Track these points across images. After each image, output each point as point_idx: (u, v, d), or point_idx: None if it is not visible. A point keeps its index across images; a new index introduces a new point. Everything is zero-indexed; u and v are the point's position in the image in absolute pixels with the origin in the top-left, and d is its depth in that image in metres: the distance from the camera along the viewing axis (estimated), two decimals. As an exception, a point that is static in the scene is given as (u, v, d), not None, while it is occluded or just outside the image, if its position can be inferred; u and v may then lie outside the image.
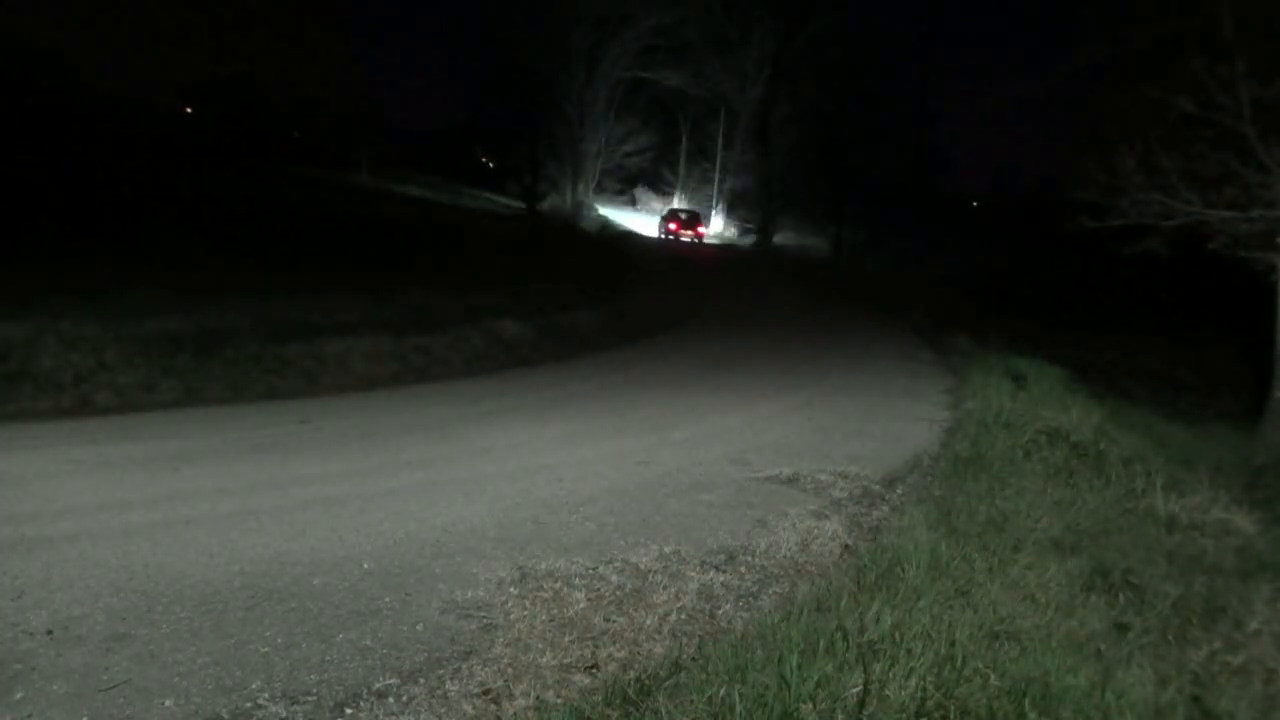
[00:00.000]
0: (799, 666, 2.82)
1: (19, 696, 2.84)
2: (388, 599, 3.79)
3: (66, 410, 6.97)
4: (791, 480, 6.23)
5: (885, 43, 42.34)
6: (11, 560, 3.89)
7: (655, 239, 35.78)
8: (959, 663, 2.97)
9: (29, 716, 2.74)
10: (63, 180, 20.71)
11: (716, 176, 43.12)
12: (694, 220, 36.96)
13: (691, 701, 2.70)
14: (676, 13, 36.60)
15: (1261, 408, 10.68)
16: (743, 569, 4.44)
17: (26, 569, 3.81)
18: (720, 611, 3.89)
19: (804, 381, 11.01)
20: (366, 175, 36.90)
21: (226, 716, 2.82)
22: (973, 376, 10.96)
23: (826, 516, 5.35)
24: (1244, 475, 8.69)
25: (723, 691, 2.70)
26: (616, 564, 4.33)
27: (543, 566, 4.22)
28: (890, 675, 2.83)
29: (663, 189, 46.32)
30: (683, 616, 3.79)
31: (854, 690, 2.72)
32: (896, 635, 3.12)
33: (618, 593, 3.97)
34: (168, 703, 2.87)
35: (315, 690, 3.01)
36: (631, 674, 3.09)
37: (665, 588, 4.06)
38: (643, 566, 4.32)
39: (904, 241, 38.16)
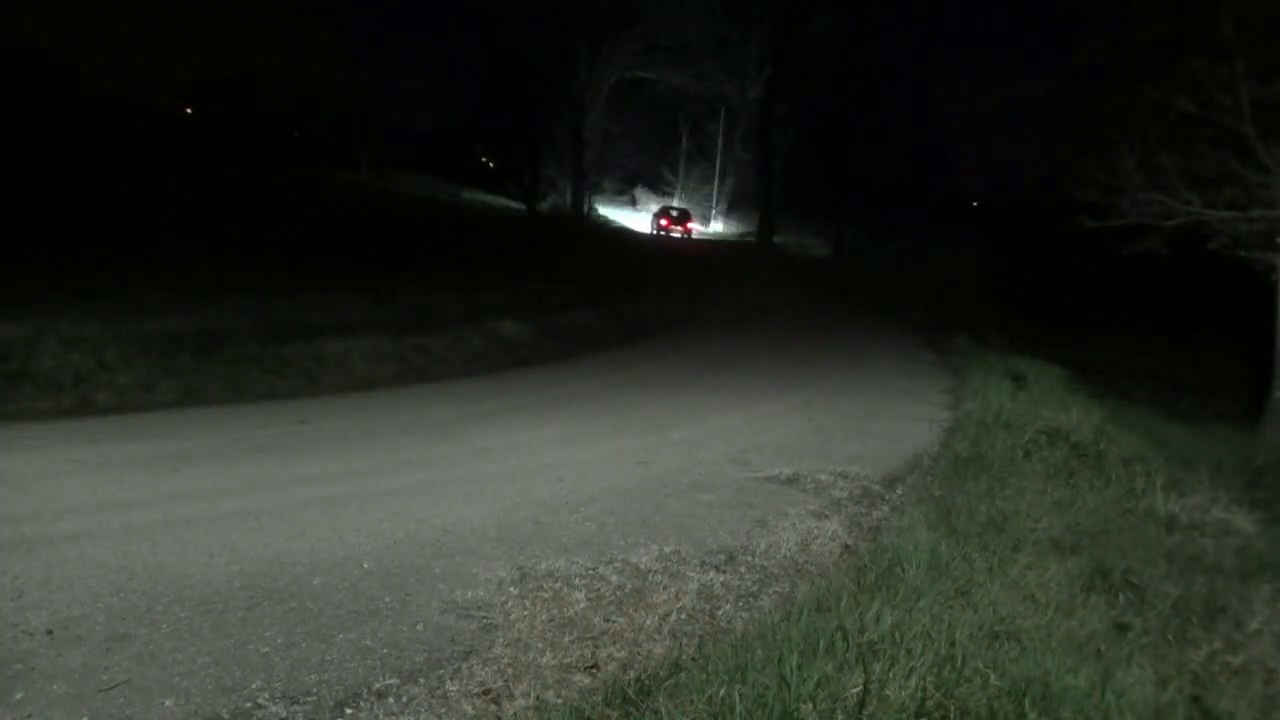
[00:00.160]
0: (799, 666, 2.82)
1: (19, 696, 2.84)
2: (388, 599, 3.79)
3: (66, 410, 6.97)
4: (791, 480, 6.23)
5: (885, 43, 42.32)
6: (11, 560, 3.89)
7: (648, 235, 37.16)
8: (959, 663, 2.97)
9: (29, 716, 2.74)
10: (63, 180, 20.73)
11: (716, 177, 43.14)
12: (684, 217, 38.60)
13: (691, 701, 2.70)
14: (677, 13, 36.59)
15: (1261, 408, 10.67)
16: (743, 569, 4.44)
17: (26, 569, 3.81)
18: (720, 611, 3.89)
19: (804, 381, 11.01)
20: (366, 175, 36.93)
21: (226, 716, 2.82)
22: (973, 376, 10.96)
23: (826, 516, 5.35)
24: (1244, 475, 8.68)
25: (723, 691, 2.70)
26: (616, 564, 4.33)
27: (543, 566, 4.22)
28: (890, 675, 2.83)
29: (663, 189, 46.36)
30: (683, 616, 3.79)
31: (854, 690, 2.72)
32: (896, 635, 3.12)
33: (618, 593, 3.97)
34: (168, 703, 2.87)
35: (315, 690, 3.01)
36: (631, 674, 3.09)
37: (665, 588, 4.06)
38: (643, 566, 4.32)
39: (904, 241, 38.22)
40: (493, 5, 35.63)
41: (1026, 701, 2.78)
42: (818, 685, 2.73)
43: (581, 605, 3.79)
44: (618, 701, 2.84)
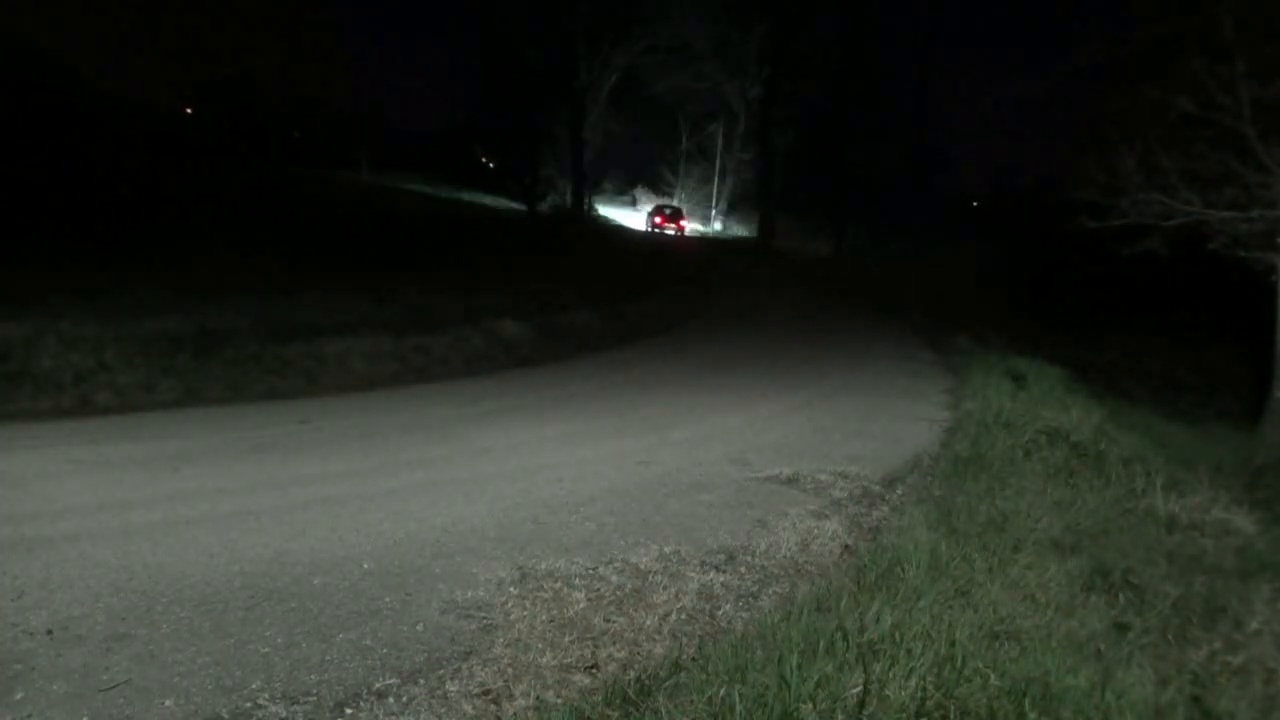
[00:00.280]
0: (799, 666, 2.82)
1: (19, 696, 2.84)
2: (388, 599, 3.79)
3: (66, 410, 6.97)
4: (791, 480, 6.23)
5: (885, 43, 42.35)
6: (11, 560, 3.90)
7: (644, 233, 38.19)
8: (959, 663, 2.97)
9: (29, 716, 2.74)
10: (63, 180, 20.74)
11: (716, 177, 43.16)
12: (677, 215, 39.99)
13: (691, 701, 2.70)
14: (677, 13, 36.58)
15: (1261, 408, 10.67)
16: (743, 569, 4.44)
17: (26, 569, 3.81)
18: (720, 611, 3.89)
19: (804, 381, 11.00)
20: (366, 175, 36.93)
21: (226, 716, 2.82)
22: (973, 376, 10.96)
23: (826, 516, 5.35)
24: (1244, 475, 8.68)
25: (723, 691, 2.70)
26: (616, 564, 4.33)
27: (543, 566, 4.22)
28: (890, 675, 2.83)
29: (663, 189, 46.39)
30: (683, 616, 3.79)
31: (854, 690, 2.72)
32: (896, 635, 3.12)
33: (618, 593, 3.97)
34: (168, 703, 2.87)
35: (315, 690, 3.01)
36: (631, 674, 3.09)
37: (665, 588, 4.06)
38: (643, 566, 4.32)
39: (904, 241, 38.20)
40: (493, 5, 35.64)
41: (1026, 701, 2.78)
42: (818, 685, 2.73)
43: (581, 605, 3.79)
44: (618, 701, 2.84)
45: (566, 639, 3.45)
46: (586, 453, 6.70)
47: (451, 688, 3.08)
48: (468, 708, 2.94)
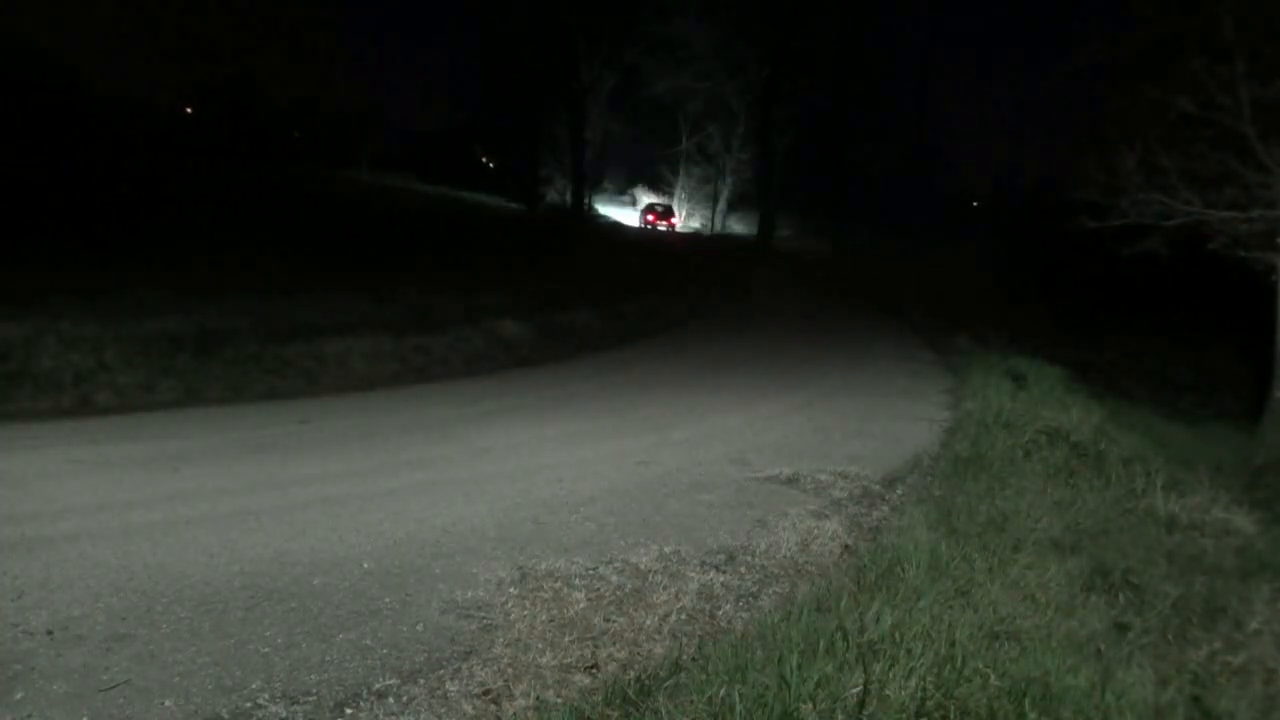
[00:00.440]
0: (799, 666, 2.82)
1: (19, 696, 2.84)
2: (388, 599, 3.79)
3: (66, 410, 6.97)
4: (791, 480, 6.23)
5: (885, 42, 42.39)
6: (11, 560, 3.89)
7: (637, 229, 39.75)
8: (959, 663, 2.96)
9: (29, 716, 2.74)
10: (63, 180, 20.73)
11: (716, 176, 43.18)
12: (668, 213, 42.04)
13: (691, 701, 2.70)
14: (677, 13, 36.57)
15: (1261, 408, 10.68)
16: (743, 569, 4.44)
17: (26, 569, 3.81)
18: (720, 611, 3.89)
19: (804, 381, 11.01)
20: (366, 175, 36.92)
21: (226, 716, 2.82)
22: (973, 376, 10.96)
23: (826, 516, 5.35)
24: (1244, 475, 8.69)
25: (723, 691, 2.70)
26: (616, 564, 4.33)
27: (543, 566, 4.22)
28: (890, 675, 2.83)
29: (663, 189, 46.37)
30: (683, 617, 3.79)
31: (854, 690, 2.72)
32: (896, 635, 3.12)
33: (618, 593, 3.97)
34: (168, 703, 2.87)
35: (315, 690, 3.01)
36: (631, 674, 3.09)
37: (665, 588, 4.06)
38: (643, 566, 4.32)
39: (904, 241, 38.22)
40: (493, 5, 35.63)
41: (1026, 701, 2.77)
42: (818, 685, 2.73)
43: (581, 605, 3.79)
44: (618, 701, 2.84)
45: (566, 639, 3.45)
46: (586, 453, 6.70)
47: (451, 688, 3.08)
48: (468, 708, 2.94)
